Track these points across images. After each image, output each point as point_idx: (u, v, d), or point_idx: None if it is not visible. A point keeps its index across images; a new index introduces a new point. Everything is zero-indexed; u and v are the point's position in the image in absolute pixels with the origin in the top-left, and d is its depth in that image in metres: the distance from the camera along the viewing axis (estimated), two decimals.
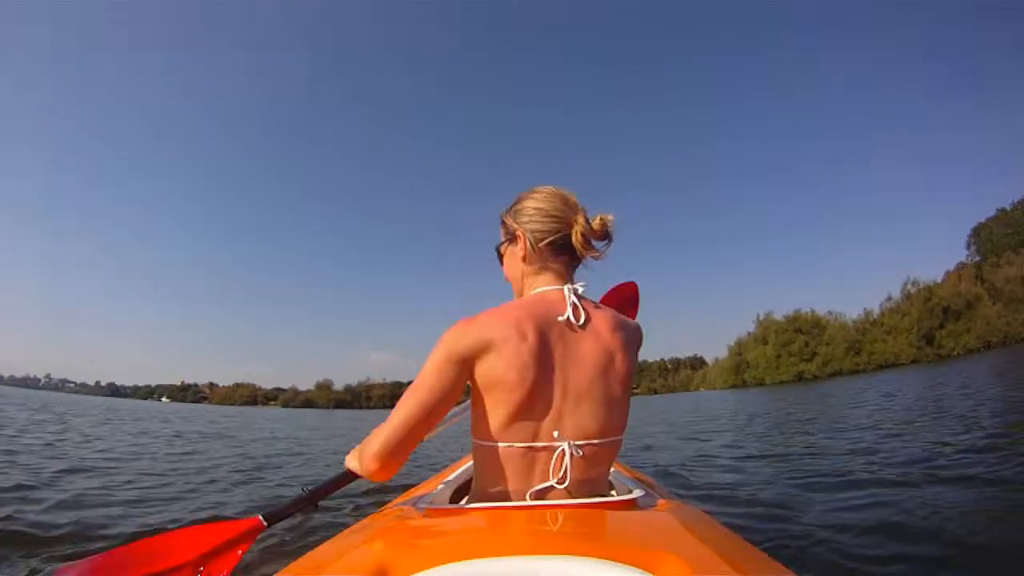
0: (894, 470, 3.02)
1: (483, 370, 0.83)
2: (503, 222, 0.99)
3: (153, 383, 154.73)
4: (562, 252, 0.92)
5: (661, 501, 0.88)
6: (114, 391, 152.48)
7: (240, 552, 1.07)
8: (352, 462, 0.99)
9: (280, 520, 1.14)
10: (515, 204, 0.97)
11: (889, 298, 58.40)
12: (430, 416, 0.84)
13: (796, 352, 58.19)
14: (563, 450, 0.82)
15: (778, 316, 65.80)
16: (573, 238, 0.90)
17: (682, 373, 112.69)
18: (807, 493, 2.72)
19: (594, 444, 0.84)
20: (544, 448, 0.82)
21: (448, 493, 1.15)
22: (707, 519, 0.83)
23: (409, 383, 0.87)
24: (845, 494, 2.63)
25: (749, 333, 71.30)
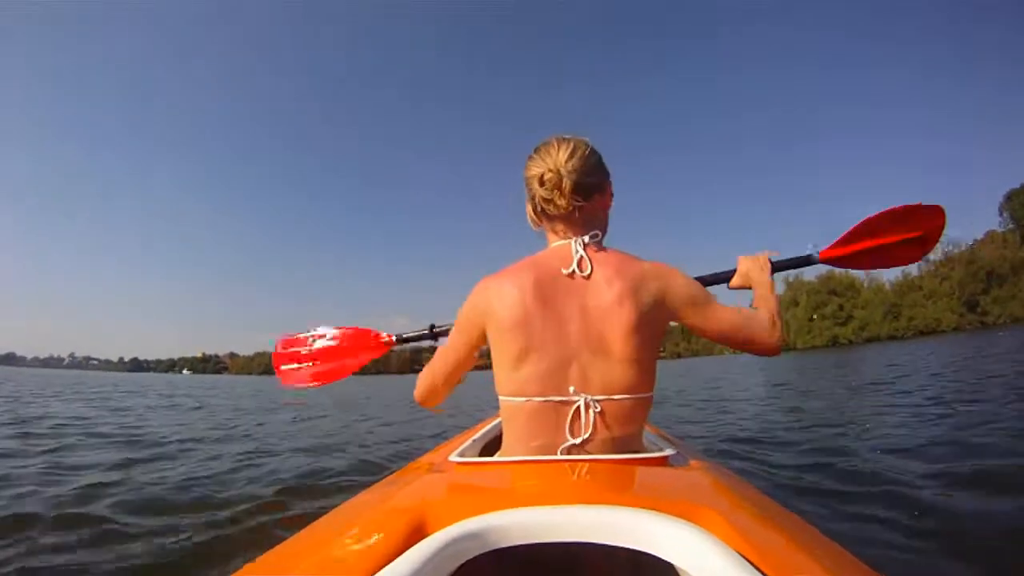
0: (942, 450, 2.78)
1: (491, 329, 0.88)
2: None
3: (176, 356, 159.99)
4: (545, 213, 0.94)
5: (693, 461, 0.89)
6: (137, 366, 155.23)
7: (377, 354, 1.53)
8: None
9: (404, 343, 1.50)
10: None
11: (927, 260, 54.69)
12: (457, 368, 0.99)
13: (830, 315, 54.82)
14: (580, 405, 0.82)
15: (808, 277, 62.66)
16: (537, 203, 0.91)
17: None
18: (849, 464, 2.62)
19: (615, 400, 0.83)
20: (563, 403, 0.83)
21: (478, 448, 1.16)
22: (741, 480, 0.86)
23: (431, 348, 1.03)
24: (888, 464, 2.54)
25: (778, 295, 72.64)
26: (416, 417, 6.60)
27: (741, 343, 0.94)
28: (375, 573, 0.46)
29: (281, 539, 0.64)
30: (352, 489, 2.26)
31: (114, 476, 2.76)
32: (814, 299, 58.02)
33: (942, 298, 49.83)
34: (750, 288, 1.12)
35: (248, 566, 0.57)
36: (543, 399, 0.83)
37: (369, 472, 2.94)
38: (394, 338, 1.51)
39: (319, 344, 1.56)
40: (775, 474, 2.54)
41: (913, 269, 55.66)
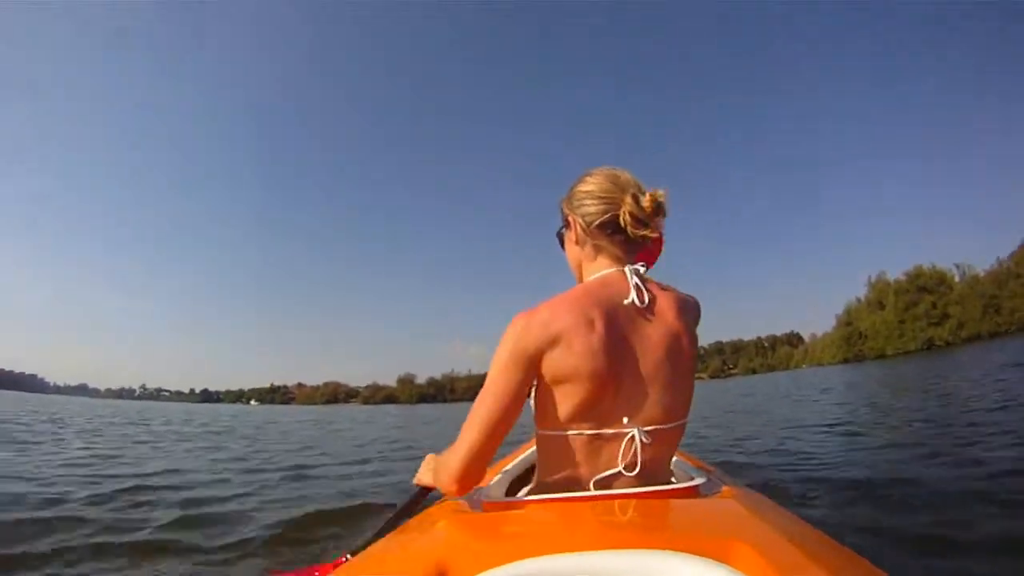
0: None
1: (552, 364, 0.80)
2: (561, 209, 0.98)
3: (246, 386, 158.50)
4: (616, 233, 0.89)
5: (725, 488, 0.87)
6: (207, 397, 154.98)
7: None
8: (426, 477, 1.08)
9: (416, 501, 1.28)
10: (570, 190, 0.95)
11: (1022, 245, 46.09)
12: (504, 421, 0.81)
13: (922, 315, 51.89)
14: (633, 436, 0.80)
15: (891, 277, 56.08)
16: (622, 218, 0.87)
17: (780, 350, 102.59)
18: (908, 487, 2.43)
19: (662, 429, 0.82)
20: (613, 435, 0.81)
21: (506, 484, 1.13)
22: (773, 505, 0.81)
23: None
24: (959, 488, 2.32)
25: (859, 299, 62.52)
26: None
27: None
28: None
29: None
30: (363, 527, 2.35)
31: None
32: (903, 299, 54.79)
33: None
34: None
35: None
36: (593, 432, 0.81)
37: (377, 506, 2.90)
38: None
39: None
40: (826, 503, 2.39)
41: (1004, 252, 43.86)
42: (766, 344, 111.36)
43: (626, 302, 0.84)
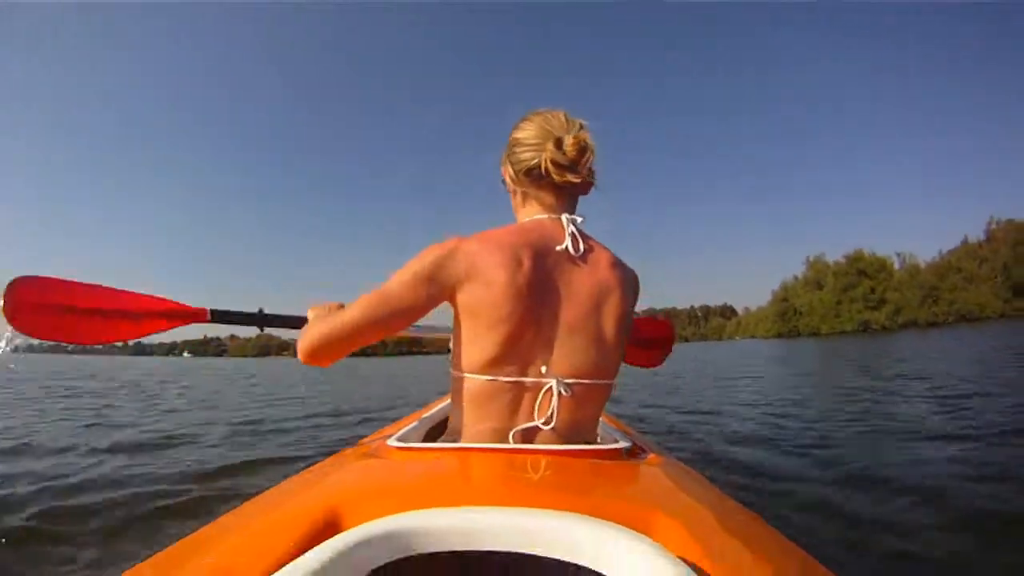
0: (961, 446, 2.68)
1: (469, 298, 0.77)
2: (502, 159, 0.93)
3: (179, 339, 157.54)
4: (543, 179, 0.84)
5: (651, 455, 0.83)
6: (139, 350, 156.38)
7: (172, 325, 1.18)
8: (309, 315, 1.00)
9: (223, 322, 1.23)
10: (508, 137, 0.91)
11: (965, 241, 49.97)
12: (382, 328, 0.79)
13: (860, 298, 53.24)
14: (551, 388, 0.77)
15: (831, 259, 58.29)
16: (542, 165, 0.82)
17: (712, 321, 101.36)
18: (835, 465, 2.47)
19: (584, 384, 0.79)
20: (531, 384, 0.77)
21: (423, 431, 1.07)
22: (698, 477, 0.79)
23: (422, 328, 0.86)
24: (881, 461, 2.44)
25: (796, 277, 63.97)
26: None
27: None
28: None
29: (172, 540, 0.54)
30: (273, 479, 2.00)
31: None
32: (841, 281, 55.92)
33: (984, 282, 46.26)
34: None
35: (125, 574, 0.48)
36: (511, 379, 0.76)
37: (305, 458, 2.76)
38: (209, 314, 1.22)
39: (95, 296, 1.11)
40: (742, 470, 2.40)
41: (946, 248, 48.59)
42: (699, 314, 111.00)
43: (559, 248, 0.81)
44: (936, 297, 48.68)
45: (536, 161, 0.83)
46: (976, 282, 45.63)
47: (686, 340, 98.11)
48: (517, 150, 0.87)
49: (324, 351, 0.80)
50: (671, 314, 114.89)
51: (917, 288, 49.23)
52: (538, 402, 0.77)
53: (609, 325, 0.81)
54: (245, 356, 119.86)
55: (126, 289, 1.17)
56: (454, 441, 0.80)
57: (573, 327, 0.79)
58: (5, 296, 1.02)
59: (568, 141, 0.81)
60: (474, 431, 0.79)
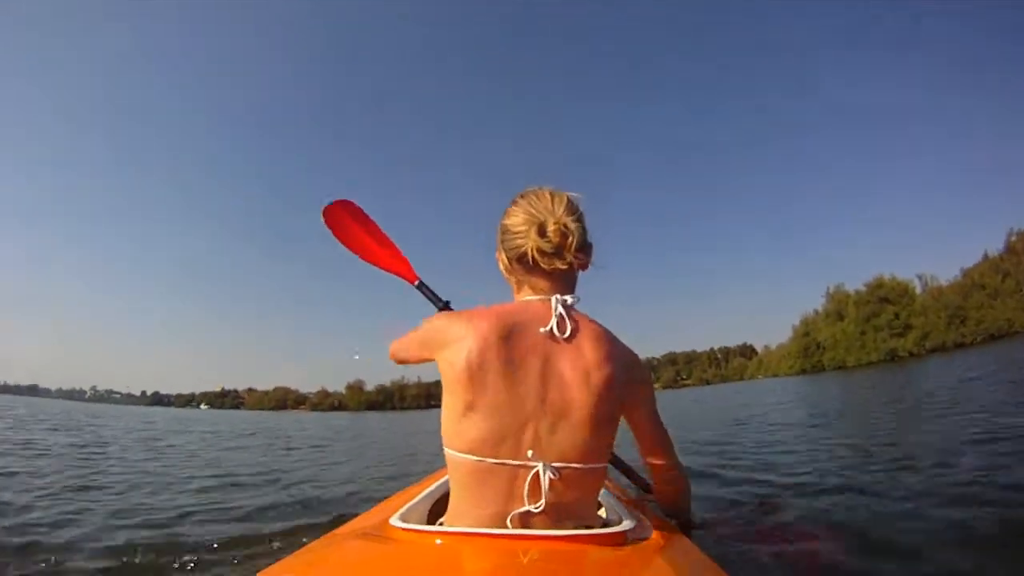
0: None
1: (443, 364, 0.82)
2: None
3: (197, 390, 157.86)
4: (534, 266, 0.86)
5: (655, 533, 0.82)
6: (157, 400, 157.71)
7: (398, 273, 1.64)
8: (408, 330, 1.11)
9: (421, 292, 1.60)
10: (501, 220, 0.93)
11: (986, 255, 48.22)
12: (407, 359, 0.99)
13: (884, 326, 50.68)
14: (538, 471, 0.76)
15: (851, 288, 56.10)
16: (529, 254, 0.84)
17: (733, 362, 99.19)
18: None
19: (574, 468, 0.78)
20: (520, 467, 0.77)
21: (424, 510, 1.06)
22: (705, 561, 0.76)
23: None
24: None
25: (816, 311, 62.38)
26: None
27: (648, 457, 0.97)
28: None
29: None
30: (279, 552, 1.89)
31: None
32: (863, 310, 53.30)
33: (1009, 296, 44.34)
34: None
35: None
36: (496, 461, 0.77)
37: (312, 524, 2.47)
38: (417, 281, 1.60)
39: (373, 230, 1.66)
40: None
41: (967, 265, 47.16)
42: (719, 355, 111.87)
43: (542, 330, 0.82)
44: (963, 317, 46.48)
45: (524, 249, 0.85)
46: (1001, 297, 43.81)
47: (707, 383, 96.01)
48: (507, 237, 0.89)
49: (394, 357, 1.03)
50: (691, 357, 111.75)
51: (942, 310, 47.34)
52: (527, 487, 0.77)
53: (601, 408, 0.81)
54: (262, 409, 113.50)
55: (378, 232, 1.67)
56: (454, 521, 0.81)
57: (558, 410, 0.79)
58: (329, 207, 1.62)
59: (550, 227, 0.83)
60: (473, 515, 0.79)
